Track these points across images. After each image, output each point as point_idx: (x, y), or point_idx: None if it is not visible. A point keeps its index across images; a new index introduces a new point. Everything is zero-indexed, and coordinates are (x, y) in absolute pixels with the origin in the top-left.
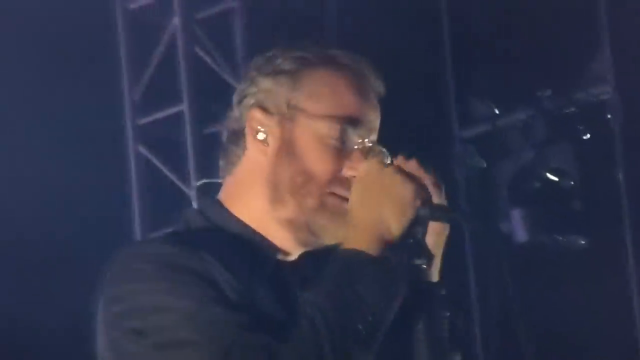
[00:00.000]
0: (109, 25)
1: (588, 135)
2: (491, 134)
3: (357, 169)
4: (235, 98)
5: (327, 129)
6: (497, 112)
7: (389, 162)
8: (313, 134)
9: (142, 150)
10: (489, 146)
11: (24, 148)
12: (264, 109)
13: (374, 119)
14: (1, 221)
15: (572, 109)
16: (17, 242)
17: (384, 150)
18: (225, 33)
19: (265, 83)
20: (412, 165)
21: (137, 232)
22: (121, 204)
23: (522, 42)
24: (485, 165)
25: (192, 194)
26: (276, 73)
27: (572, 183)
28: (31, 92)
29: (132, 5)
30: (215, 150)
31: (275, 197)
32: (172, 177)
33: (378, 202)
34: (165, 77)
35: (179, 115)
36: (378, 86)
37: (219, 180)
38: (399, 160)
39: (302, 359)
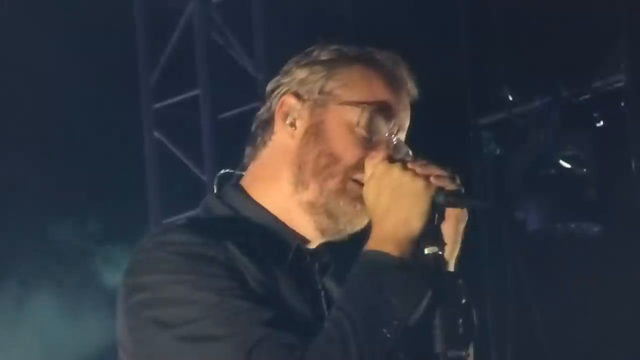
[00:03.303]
0: (125, 9)
1: (602, 123)
2: (507, 121)
3: (367, 168)
4: (268, 88)
5: (357, 117)
6: (512, 99)
7: (408, 159)
8: (342, 120)
9: (157, 134)
10: (505, 133)
11: (39, 133)
12: (297, 96)
13: (404, 117)
14: (20, 209)
15: (588, 97)
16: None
17: (409, 150)
18: (242, 18)
19: (301, 73)
20: (420, 163)
21: (152, 216)
22: (136, 187)
23: (539, 30)
24: (499, 152)
25: (206, 178)
26: (313, 64)
27: (585, 170)
28: (47, 76)
29: None
30: (230, 136)
31: (299, 178)
32: (187, 161)
33: (392, 199)
34: (181, 62)
35: (194, 100)
36: (411, 89)
37: (237, 172)
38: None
39: None
